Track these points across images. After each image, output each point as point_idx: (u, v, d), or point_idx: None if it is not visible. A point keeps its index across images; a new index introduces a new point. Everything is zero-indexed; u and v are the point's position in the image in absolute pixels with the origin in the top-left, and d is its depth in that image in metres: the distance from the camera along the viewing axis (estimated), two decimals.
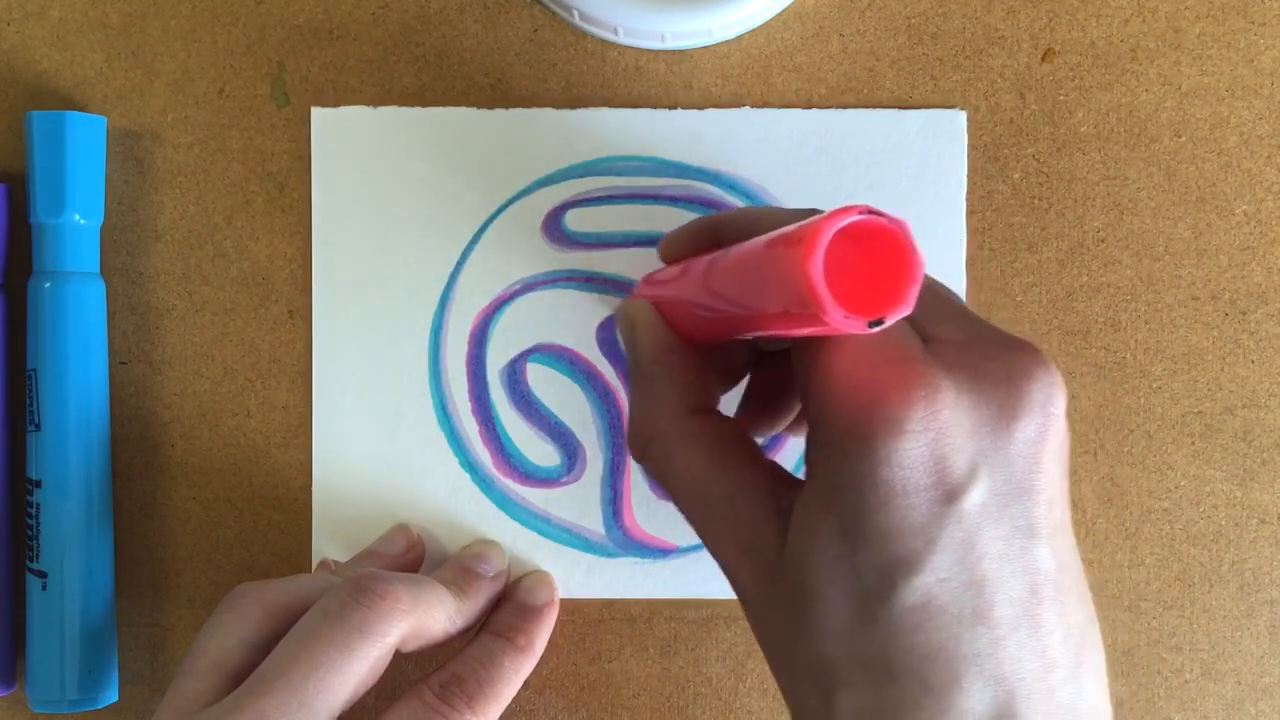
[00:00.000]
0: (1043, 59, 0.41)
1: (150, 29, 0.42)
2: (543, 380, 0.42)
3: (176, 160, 0.42)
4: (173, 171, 0.42)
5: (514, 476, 0.42)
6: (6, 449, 0.41)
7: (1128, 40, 0.41)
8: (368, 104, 0.42)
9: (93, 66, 0.42)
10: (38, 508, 0.40)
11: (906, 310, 0.26)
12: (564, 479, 0.42)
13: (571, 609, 0.42)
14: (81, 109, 0.41)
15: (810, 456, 0.30)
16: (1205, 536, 0.41)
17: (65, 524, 0.40)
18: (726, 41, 0.41)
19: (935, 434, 0.27)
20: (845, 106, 0.42)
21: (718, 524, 0.31)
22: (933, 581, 0.27)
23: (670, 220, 0.41)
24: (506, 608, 0.40)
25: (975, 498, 0.27)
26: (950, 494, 0.27)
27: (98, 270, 0.41)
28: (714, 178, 0.41)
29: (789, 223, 0.32)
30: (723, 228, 0.35)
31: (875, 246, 0.26)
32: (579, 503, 0.42)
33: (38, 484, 0.40)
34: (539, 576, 0.41)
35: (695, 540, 0.41)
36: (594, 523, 0.42)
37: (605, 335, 0.42)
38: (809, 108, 0.42)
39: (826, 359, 0.29)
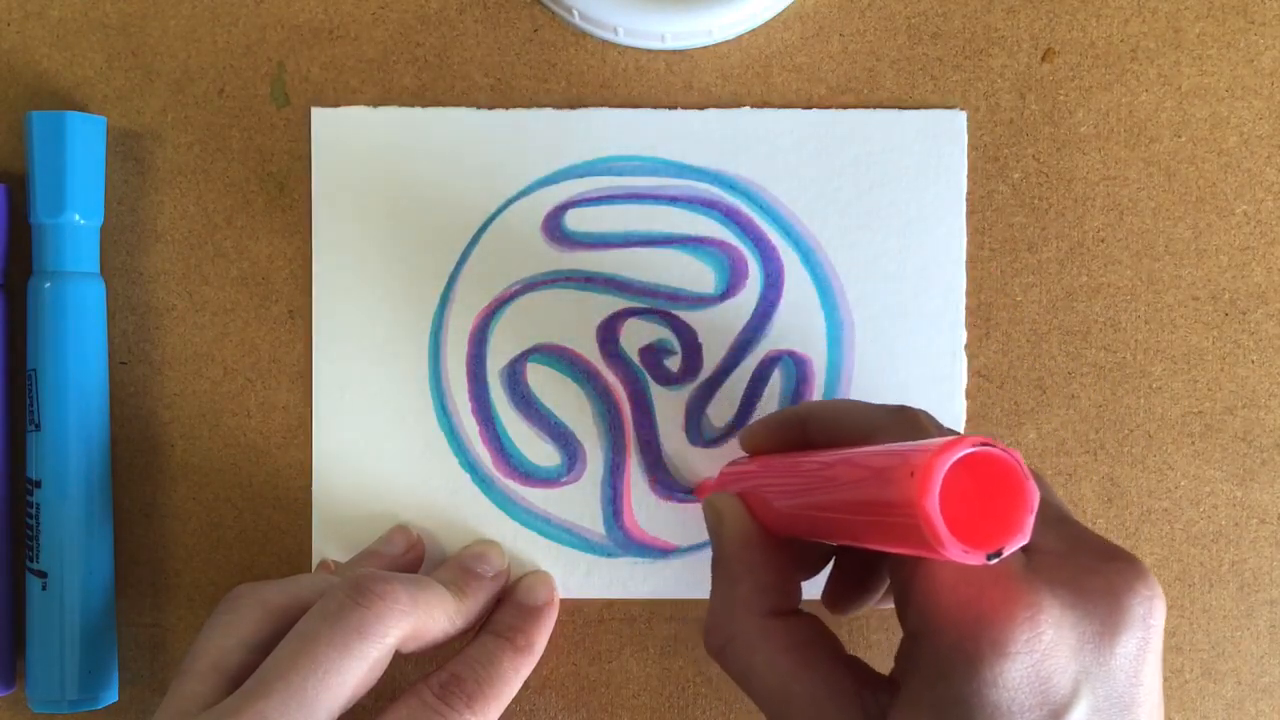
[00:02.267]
0: (1043, 59, 0.41)
1: (150, 29, 0.42)
2: (543, 380, 0.42)
3: (176, 160, 0.42)
4: (173, 171, 0.42)
5: (514, 476, 0.42)
6: (6, 449, 0.41)
7: (1128, 40, 0.41)
8: (368, 104, 0.42)
9: (93, 66, 0.42)
10: (38, 508, 0.40)
11: (1024, 540, 0.26)
12: (564, 479, 0.42)
13: (571, 609, 0.42)
14: (81, 109, 0.41)
15: (906, 665, 0.30)
16: (1205, 536, 0.41)
17: (65, 524, 0.40)
18: (726, 41, 0.41)
19: (1040, 655, 0.27)
20: (845, 106, 0.41)
21: None
22: None
23: (670, 220, 0.41)
24: (506, 608, 0.40)
25: (1078, 715, 0.27)
26: (1054, 713, 0.27)
27: (98, 270, 0.41)
28: (714, 178, 0.41)
29: (881, 425, 0.32)
30: (809, 423, 0.35)
31: (986, 474, 0.26)
32: (579, 503, 0.42)
33: (38, 484, 0.40)
34: (539, 576, 0.41)
35: (695, 540, 0.41)
36: (594, 523, 0.42)
37: (605, 335, 0.42)
38: (809, 108, 0.42)
39: (928, 577, 0.29)
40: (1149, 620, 0.28)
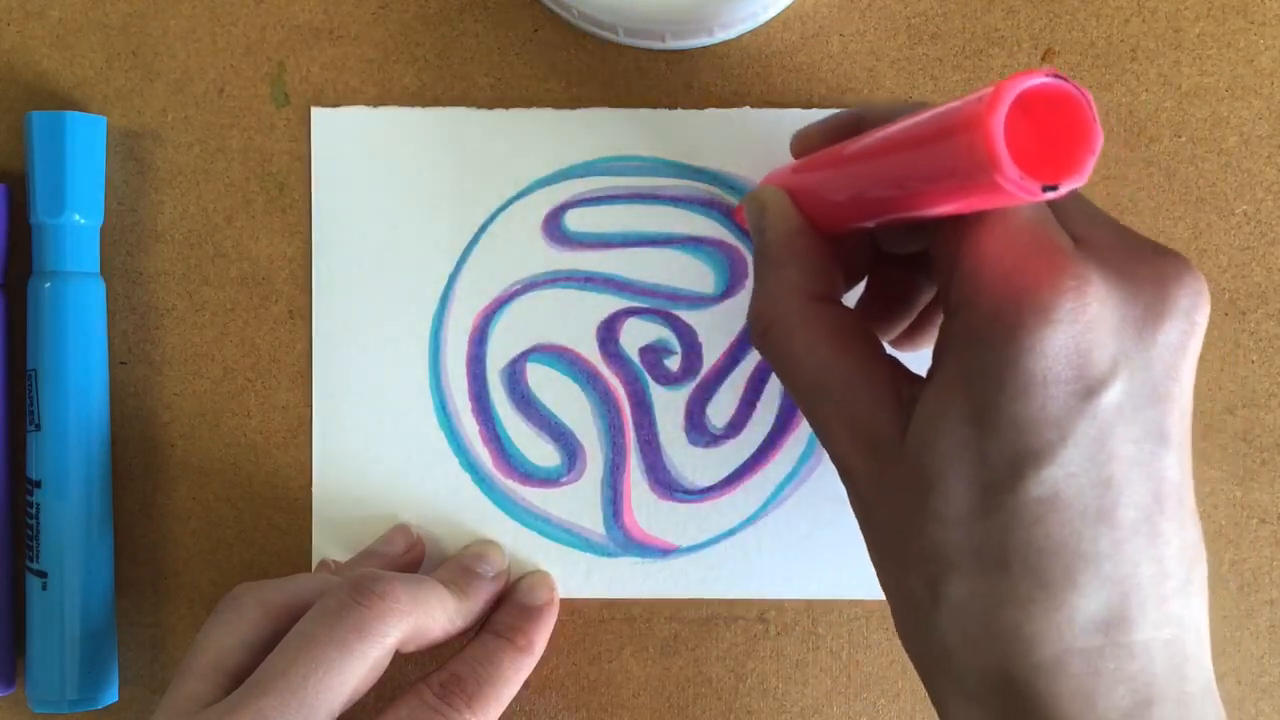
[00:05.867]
0: (1043, 59, 0.41)
1: (150, 29, 0.42)
2: (543, 380, 0.42)
3: (176, 160, 0.42)
4: (173, 171, 0.42)
5: (514, 476, 0.42)
6: (6, 449, 0.41)
7: (1128, 40, 0.41)
8: (368, 104, 0.42)
9: (93, 66, 0.42)
10: (38, 508, 0.40)
11: (1081, 181, 0.25)
12: (564, 479, 0.42)
13: (571, 609, 0.42)
14: (81, 109, 0.41)
15: (944, 343, 0.29)
16: (1205, 536, 0.41)
17: (65, 524, 0.40)
18: (726, 41, 0.41)
19: (1082, 326, 0.27)
20: (845, 106, 0.41)
21: (834, 411, 0.31)
22: (1061, 475, 0.27)
23: (670, 220, 0.41)
24: (506, 608, 0.40)
25: (1113, 396, 0.27)
26: (1089, 389, 0.27)
27: (98, 270, 0.41)
28: (714, 178, 0.41)
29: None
30: (865, 122, 0.34)
31: (1052, 116, 0.25)
32: (579, 503, 0.42)
33: (38, 484, 0.40)
34: (539, 576, 0.41)
35: (695, 540, 0.41)
36: (594, 523, 0.42)
37: (605, 335, 0.42)
38: (809, 108, 0.42)
39: (976, 242, 0.28)
40: (1193, 315, 0.28)
